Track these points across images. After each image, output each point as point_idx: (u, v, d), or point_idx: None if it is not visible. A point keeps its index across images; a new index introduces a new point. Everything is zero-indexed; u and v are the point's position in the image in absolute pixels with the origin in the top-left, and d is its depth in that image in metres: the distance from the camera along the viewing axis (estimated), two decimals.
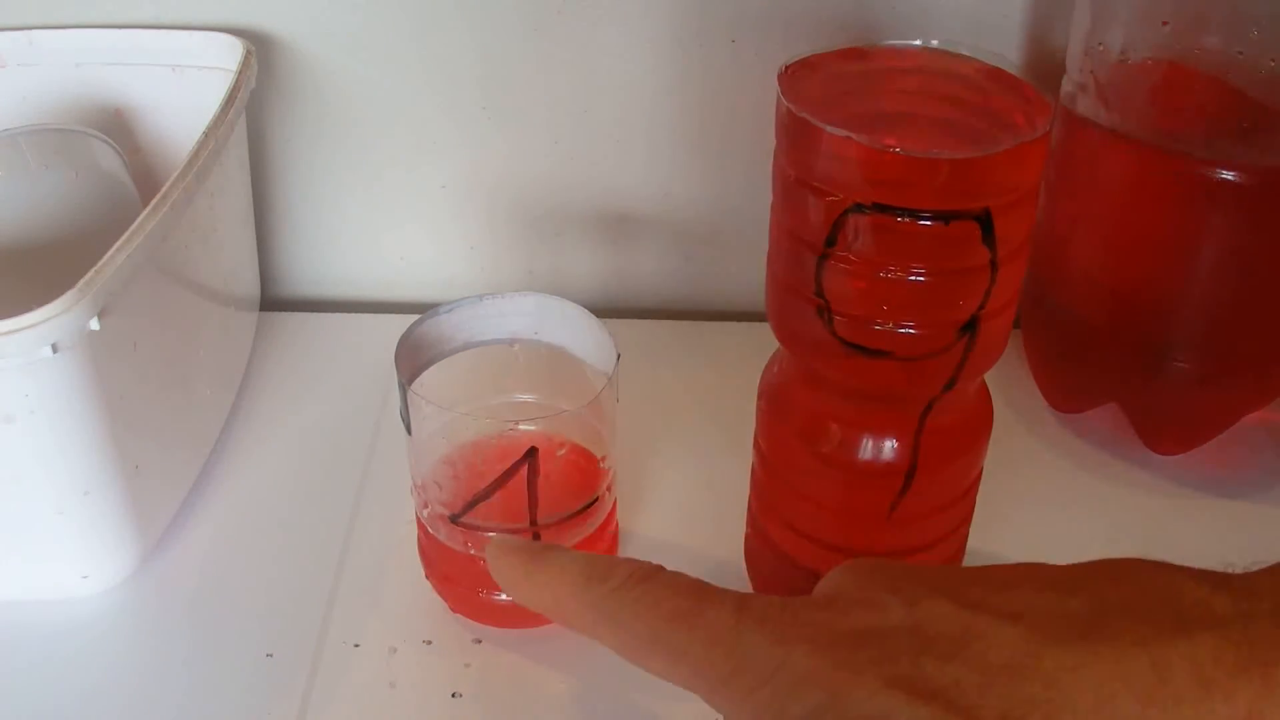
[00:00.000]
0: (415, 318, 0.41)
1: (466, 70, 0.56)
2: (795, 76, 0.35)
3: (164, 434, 0.45)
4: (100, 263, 0.38)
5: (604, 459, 0.42)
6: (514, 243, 0.61)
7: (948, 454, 0.37)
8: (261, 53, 0.55)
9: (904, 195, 0.32)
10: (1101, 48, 0.46)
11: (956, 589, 0.27)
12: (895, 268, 0.33)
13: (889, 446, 0.37)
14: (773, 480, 0.40)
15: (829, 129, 0.32)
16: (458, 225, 0.61)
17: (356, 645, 0.43)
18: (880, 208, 0.32)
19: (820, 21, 0.54)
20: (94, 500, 0.41)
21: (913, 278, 0.33)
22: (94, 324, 0.37)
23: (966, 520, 0.41)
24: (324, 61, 0.56)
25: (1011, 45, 0.55)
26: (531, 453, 0.41)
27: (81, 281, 0.37)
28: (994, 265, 0.33)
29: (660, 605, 0.28)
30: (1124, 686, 0.24)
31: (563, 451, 0.42)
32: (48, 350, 0.36)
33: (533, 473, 0.41)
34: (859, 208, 0.32)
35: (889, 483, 0.37)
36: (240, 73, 0.51)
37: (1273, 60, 0.42)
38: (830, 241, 0.33)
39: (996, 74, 0.35)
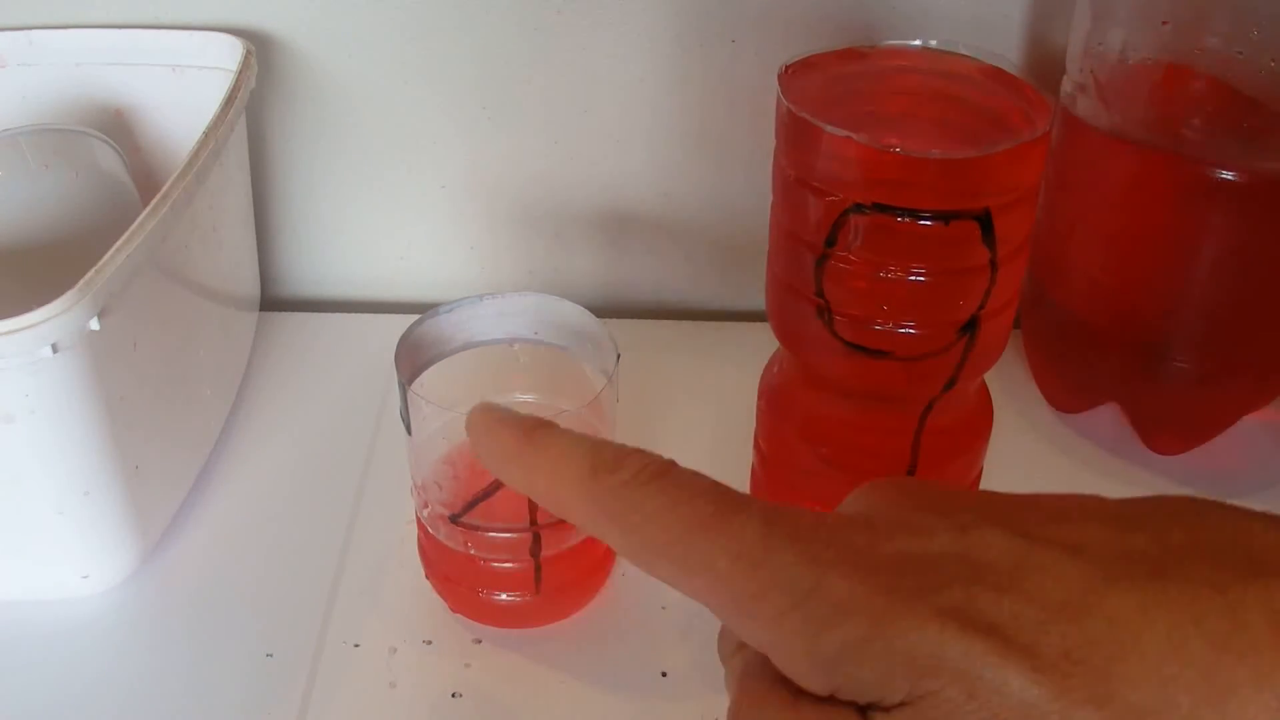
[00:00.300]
0: (415, 318, 0.41)
1: (466, 70, 0.56)
2: (795, 77, 0.35)
3: (164, 434, 0.45)
4: (100, 263, 0.38)
5: None
6: (514, 243, 0.61)
7: (948, 453, 0.37)
8: (261, 53, 0.55)
9: (904, 195, 0.32)
10: (1101, 48, 0.46)
11: (1010, 515, 0.25)
12: (895, 268, 0.33)
13: (889, 446, 0.37)
14: (773, 480, 0.40)
15: (829, 129, 0.32)
16: (458, 225, 0.61)
17: (356, 645, 0.43)
18: (880, 208, 0.32)
19: (820, 21, 0.54)
20: (94, 500, 0.41)
21: (913, 278, 0.33)
22: (94, 324, 0.37)
23: None
24: (324, 61, 0.56)
25: (1011, 45, 0.55)
26: None
27: (81, 281, 0.37)
28: (994, 265, 0.33)
29: (678, 508, 0.25)
30: (1197, 630, 0.22)
31: None
32: (48, 350, 0.36)
33: None
34: (859, 208, 0.32)
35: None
36: (240, 73, 0.51)
37: (1273, 60, 0.42)
38: (830, 241, 0.33)
39: (996, 74, 0.35)
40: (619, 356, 0.40)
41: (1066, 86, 0.48)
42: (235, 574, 0.46)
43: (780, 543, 0.24)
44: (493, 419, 0.28)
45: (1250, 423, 0.51)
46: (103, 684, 0.41)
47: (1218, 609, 0.22)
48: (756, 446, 0.41)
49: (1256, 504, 0.45)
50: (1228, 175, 0.43)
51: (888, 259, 0.33)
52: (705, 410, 0.54)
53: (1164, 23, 0.44)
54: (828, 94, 0.34)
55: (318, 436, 0.53)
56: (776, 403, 0.39)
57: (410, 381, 0.40)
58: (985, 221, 0.32)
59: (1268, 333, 0.47)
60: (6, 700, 0.41)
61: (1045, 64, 0.55)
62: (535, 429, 0.27)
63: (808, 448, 0.38)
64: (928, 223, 0.32)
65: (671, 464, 0.26)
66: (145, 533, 0.44)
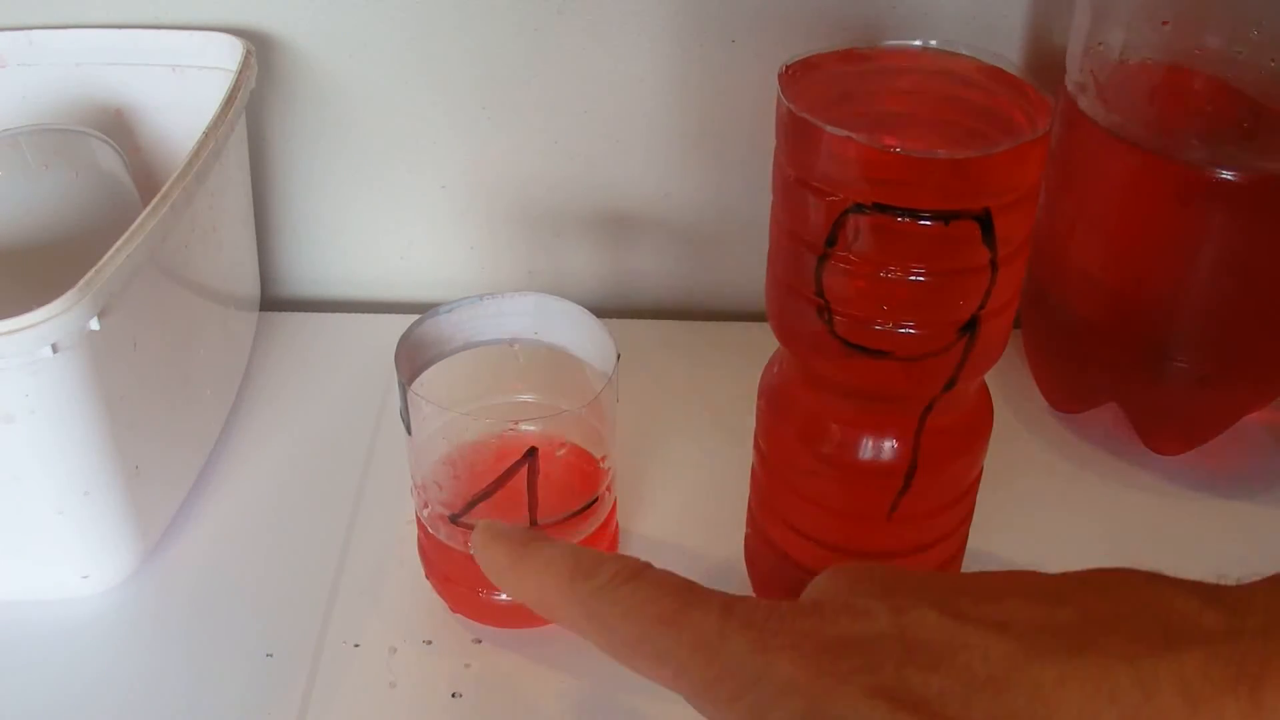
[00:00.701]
0: (415, 318, 0.41)
1: (466, 70, 0.56)
2: (795, 77, 0.35)
3: (164, 434, 0.45)
4: (100, 263, 0.38)
5: (604, 459, 0.42)
6: (514, 243, 0.61)
7: (948, 454, 0.37)
8: (261, 53, 0.55)
9: (904, 195, 0.32)
10: (1101, 48, 0.46)
11: (944, 598, 0.26)
12: (895, 268, 0.33)
13: (889, 446, 0.37)
14: (773, 480, 0.40)
15: (829, 129, 0.32)
16: (458, 225, 0.61)
17: (356, 645, 0.43)
18: (880, 208, 0.32)
19: (820, 21, 0.54)
20: (94, 500, 0.41)
21: (913, 278, 0.33)
22: (94, 324, 0.37)
23: (966, 520, 0.41)
24: (324, 61, 0.56)
25: (1011, 45, 0.55)
26: (531, 453, 0.41)
27: (81, 281, 0.37)
28: (994, 265, 0.33)
29: (646, 606, 0.28)
30: (1109, 702, 0.24)
31: (562, 452, 0.42)
32: (48, 350, 0.36)
33: (533, 473, 0.41)
34: (859, 208, 0.32)
35: (889, 483, 0.37)
36: (240, 73, 0.51)
37: (1273, 60, 0.42)
38: (830, 241, 0.33)
39: (996, 73, 0.35)
40: (619, 356, 0.40)
41: (1067, 86, 0.48)
42: (235, 574, 0.46)
43: (735, 631, 0.26)
44: (490, 536, 0.32)
45: (1250, 423, 0.51)
46: (103, 684, 0.41)
47: (1130, 681, 0.24)
48: (756, 446, 0.41)
49: (1256, 504, 0.45)
50: (1228, 175, 0.43)
51: (888, 259, 0.33)
52: (705, 410, 0.54)
53: (1164, 23, 0.44)
54: (828, 94, 0.34)
55: (318, 436, 0.53)
56: (776, 403, 0.39)
57: (410, 381, 0.40)
58: (985, 221, 0.32)
59: (1268, 333, 0.47)
60: (6, 700, 0.41)
61: (1045, 64, 0.55)
62: (527, 543, 0.31)
63: (807, 448, 0.38)
64: (928, 223, 0.32)
65: (645, 566, 0.29)
66: (145, 533, 0.44)
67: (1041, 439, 0.52)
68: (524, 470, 0.41)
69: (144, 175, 0.55)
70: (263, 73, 0.55)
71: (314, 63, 0.56)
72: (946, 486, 0.38)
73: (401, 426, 0.40)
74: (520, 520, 0.40)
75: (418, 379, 0.41)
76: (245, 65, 0.51)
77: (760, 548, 0.42)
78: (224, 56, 0.53)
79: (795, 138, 0.34)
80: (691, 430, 0.52)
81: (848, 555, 0.39)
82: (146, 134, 0.57)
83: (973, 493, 0.40)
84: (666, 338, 0.59)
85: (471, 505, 0.41)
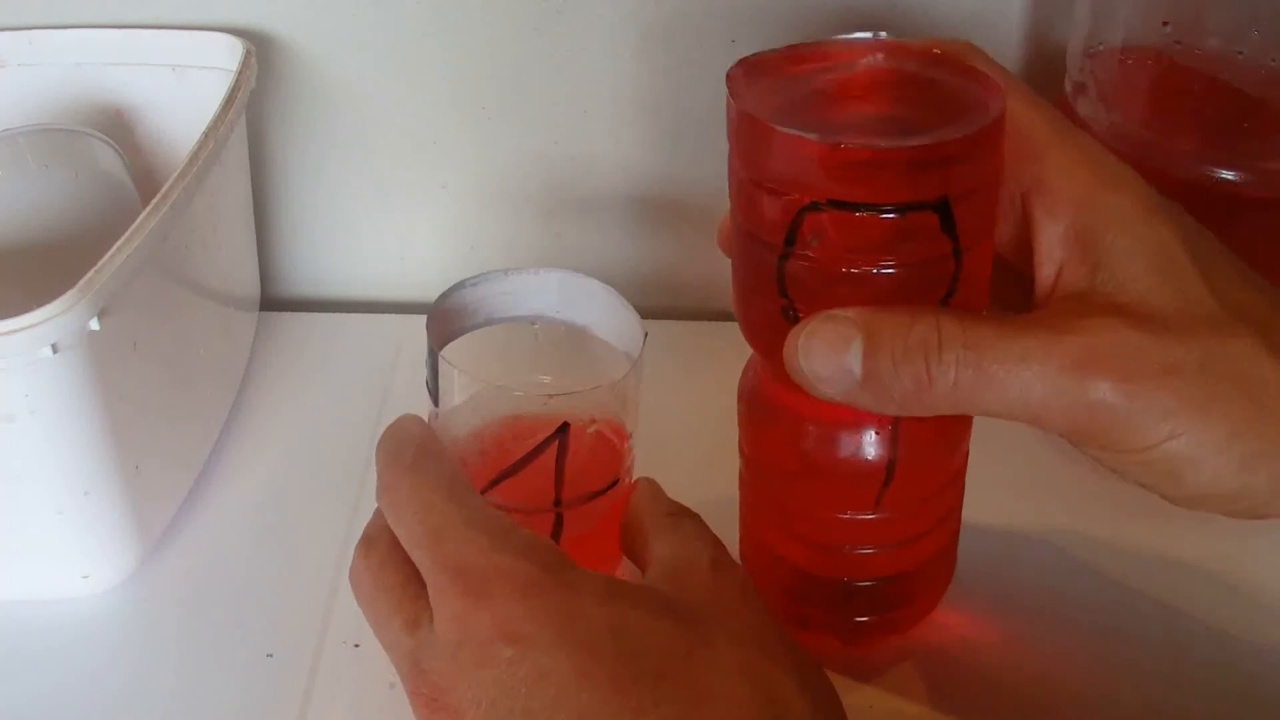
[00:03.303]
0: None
1: (466, 70, 0.56)
2: (744, 77, 0.34)
3: (164, 434, 0.45)
4: (100, 263, 0.38)
5: (629, 439, 0.41)
6: (514, 243, 0.61)
7: (928, 442, 0.37)
8: (261, 53, 0.55)
9: (859, 190, 0.31)
10: (1102, 48, 0.46)
11: None
12: (856, 263, 0.32)
13: (868, 439, 0.36)
14: (757, 482, 0.40)
15: (780, 128, 0.32)
16: (458, 225, 0.61)
17: (356, 645, 0.43)
18: (836, 204, 0.32)
19: (821, 21, 0.54)
20: (94, 500, 0.41)
21: (875, 271, 0.32)
22: (94, 324, 0.37)
23: (956, 510, 0.41)
24: (324, 61, 0.56)
25: (1011, 45, 0.55)
26: (564, 428, 0.40)
27: (81, 281, 0.37)
28: (957, 254, 0.33)
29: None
30: None
31: (593, 429, 0.41)
32: (48, 350, 0.36)
33: (563, 449, 0.40)
34: (814, 205, 0.32)
35: (871, 476, 0.37)
36: (240, 73, 0.51)
37: (1273, 60, 0.42)
38: (789, 241, 0.33)
39: (947, 61, 0.35)
40: (646, 335, 0.39)
41: (1066, 86, 0.48)
42: (235, 574, 0.46)
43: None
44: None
45: None
46: (103, 684, 0.41)
47: None
48: (740, 450, 0.41)
49: None
50: (1228, 175, 0.43)
51: (847, 255, 0.32)
52: (704, 410, 0.53)
53: (1164, 23, 0.44)
54: (778, 92, 0.34)
55: (318, 436, 0.53)
56: (754, 405, 0.39)
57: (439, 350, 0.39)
58: (944, 211, 0.32)
59: None
60: (6, 700, 0.41)
61: (1045, 64, 0.55)
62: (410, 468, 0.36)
63: (786, 447, 0.38)
64: (884, 216, 0.31)
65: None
66: (145, 533, 0.44)
67: (1040, 438, 0.52)
68: (554, 447, 0.40)
69: (144, 175, 0.55)
70: (263, 73, 0.55)
71: (314, 63, 0.56)
72: (930, 475, 0.38)
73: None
74: (544, 500, 0.40)
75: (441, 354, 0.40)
76: (245, 65, 0.51)
77: (752, 550, 0.42)
78: (224, 56, 0.53)
79: (746, 139, 0.33)
80: (691, 430, 0.52)
81: (837, 553, 0.39)
82: (146, 134, 0.57)
83: (960, 480, 0.40)
84: (666, 338, 0.59)
85: (495, 483, 0.40)
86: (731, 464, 0.42)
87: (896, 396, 0.32)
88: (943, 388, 0.32)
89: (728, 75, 0.34)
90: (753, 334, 0.37)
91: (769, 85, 0.34)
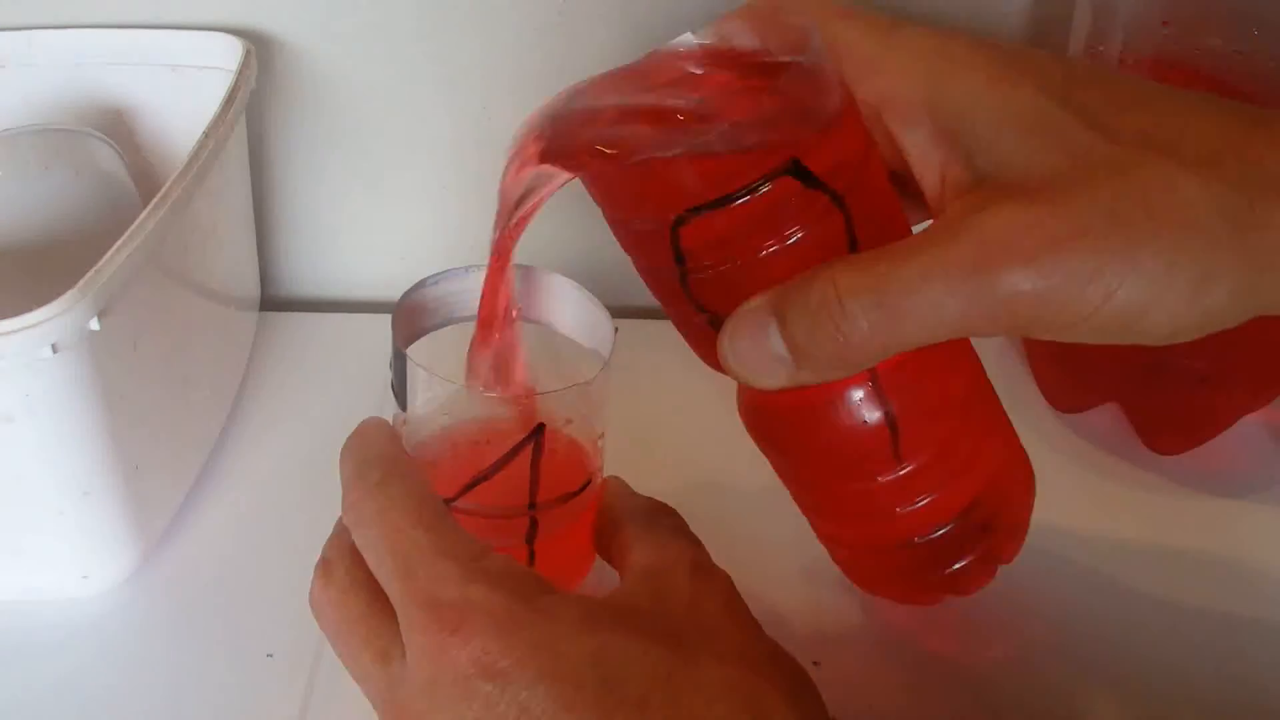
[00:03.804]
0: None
1: (467, 70, 0.56)
2: (559, 131, 0.34)
3: (164, 434, 0.45)
4: (100, 263, 0.38)
5: (601, 437, 0.41)
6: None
7: (912, 378, 0.35)
8: (261, 53, 0.55)
9: (708, 188, 0.31)
10: (1102, 48, 0.46)
11: None
12: (746, 254, 0.32)
13: (855, 405, 0.35)
14: (797, 490, 0.40)
15: (616, 165, 0.32)
16: (458, 225, 0.61)
17: None
18: (696, 210, 0.31)
19: None
20: (94, 500, 0.41)
21: (769, 254, 0.32)
22: (94, 324, 0.37)
23: (993, 424, 0.38)
24: (324, 61, 0.56)
25: None
26: (539, 430, 0.39)
27: (81, 281, 0.37)
28: (839, 202, 0.32)
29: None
30: None
31: (567, 430, 0.41)
32: (48, 350, 0.36)
33: (538, 451, 0.39)
34: (679, 219, 0.32)
35: (878, 436, 0.36)
36: (240, 73, 0.51)
37: (1273, 60, 0.42)
38: (679, 259, 0.33)
39: (731, 53, 0.35)
40: (616, 330, 0.39)
41: None
42: (235, 574, 0.46)
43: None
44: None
45: (1250, 423, 0.51)
46: (103, 684, 0.41)
47: None
48: (770, 458, 0.40)
49: (1256, 504, 0.45)
50: None
51: (735, 251, 0.32)
52: (703, 411, 0.53)
53: (1164, 23, 0.44)
54: (605, 127, 0.34)
55: (318, 436, 0.52)
56: (752, 418, 0.39)
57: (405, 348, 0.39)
58: (799, 170, 0.31)
59: (1268, 333, 0.47)
60: (6, 700, 0.41)
61: None
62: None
63: (793, 439, 0.37)
64: (743, 201, 0.31)
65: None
66: (145, 533, 0.44)
67: (1041, 439, 0.52)
68: (529, 449, 0.40)
69: (144, 175, 0.55)
70: (263, 73, 0.55)
71: (314, 63, 0.56)
72: (937, 407, 0.36)
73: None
74: (518, 503, 0.39)
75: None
76: (245, 65, 0.51)
77: (848, 557, 0.41)
78: (224, 56, 0.53)
79: (597, 190, 0.34)
80: (690, 430, 0.52)
81: (896, 517, 0.37)
82: (146, 134, 0.57)
83: (978, 397, 0.38)
84: (666, 338, 0.59)
85: (470, 487, 0.39)
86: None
87: (830, 361, 0.31)
88: (859, 337, 0.30)
89: (541, 155, 0.34)
90: (702, 355, 0.37)
91: (591, 125, 0.34)
